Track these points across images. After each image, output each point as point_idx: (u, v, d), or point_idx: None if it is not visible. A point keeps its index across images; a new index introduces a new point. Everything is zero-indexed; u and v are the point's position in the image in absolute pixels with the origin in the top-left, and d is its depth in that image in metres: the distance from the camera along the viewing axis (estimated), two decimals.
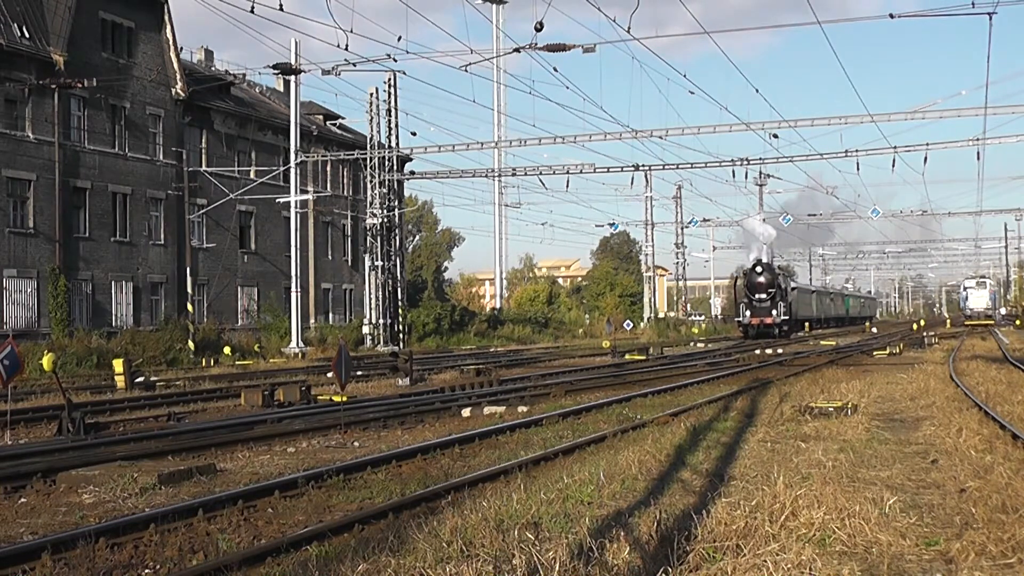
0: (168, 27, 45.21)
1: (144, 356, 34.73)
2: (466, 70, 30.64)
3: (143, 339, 37.58)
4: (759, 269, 59.71)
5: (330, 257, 57.81)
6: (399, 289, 49.33)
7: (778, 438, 12.80)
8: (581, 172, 46.34)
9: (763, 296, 58.74)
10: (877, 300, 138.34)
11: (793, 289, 65.69)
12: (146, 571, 7.50)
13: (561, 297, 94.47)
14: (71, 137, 40.19)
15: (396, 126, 48.98)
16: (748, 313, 58.71)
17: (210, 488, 10.69)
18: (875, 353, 36.03)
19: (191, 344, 39.28)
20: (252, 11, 21.88)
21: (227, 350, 38.83)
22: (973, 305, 78.79)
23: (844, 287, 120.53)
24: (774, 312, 57.88)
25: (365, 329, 48.74)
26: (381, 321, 48.22)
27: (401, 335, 49.04)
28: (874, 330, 72.96)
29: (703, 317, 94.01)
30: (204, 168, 46.33)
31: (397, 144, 49.18)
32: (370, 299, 48.78)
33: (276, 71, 42.50)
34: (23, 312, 37.89)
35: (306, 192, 50.27)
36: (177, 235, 44.87)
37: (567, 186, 48.47)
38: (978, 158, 51.42)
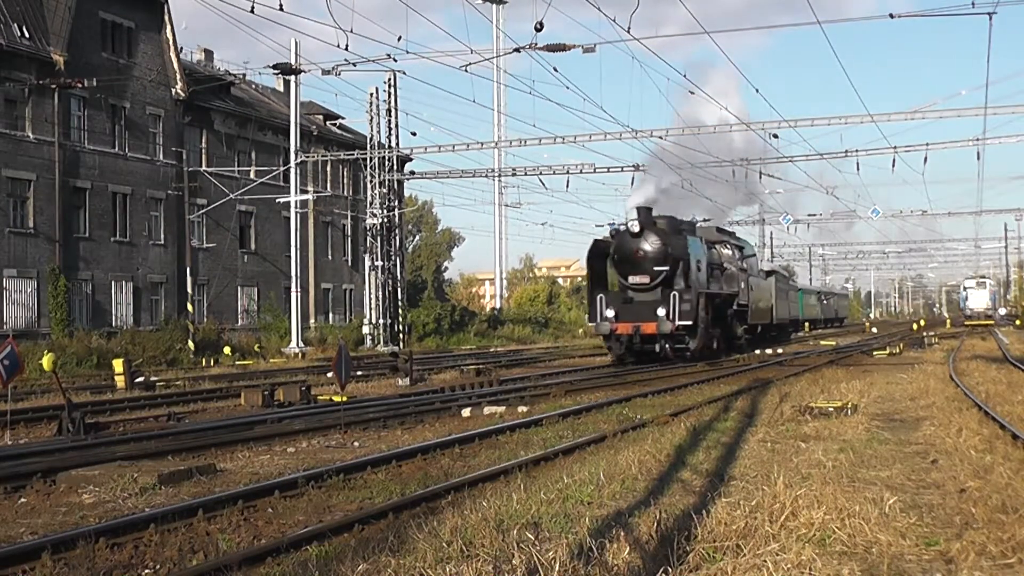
0: (168, 27, 45.23)
1: (144, 356, 34.74)
2: (466, 70, 30.61)
3: (143, 339, 37.60)
4: (637, 228, 31.08)
5: (330, 257, 57.82)
6: (399, 289, 49.34)
7: (778, 438, 12.79)
8: (581, 172, 46.25)
9: (643, 280, 31.04)
10: (847, 296, 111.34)
11: (731, 268, 36.85)
12: (146, 571, 7.49)
13: (561, 297, 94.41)
14: (71, 137, 40.19)
15: (396, 126, 49.03)
16: (611, 313, 30.93)
17: (210, 488, 10.67)
18: (875, 353, 36.03)
19: (191, 344, 39.29)
20: (252, 11, 21.87)
21: (227, 350, 38.83)
22: (973, 305, 78.72)
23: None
24: (661, 311, 30.10)
25: (365, 329, 48.75)
26: (381, 321, 48.23)
27: (401, 335, 49.04)
28: (874, 330, 72.89)
29: None
30: (204, 168, 46.35)
31: (397, 144, 49.19)
32: (370, 299, 48.79)
33: (276, 71, 42.47)
34: (23, 312, 37.90)
35: (306, 192, 50.28)
36: (177, 235, 44.87)
37: (567, 186, 48.37)
38: (978, 158, 51.47)
